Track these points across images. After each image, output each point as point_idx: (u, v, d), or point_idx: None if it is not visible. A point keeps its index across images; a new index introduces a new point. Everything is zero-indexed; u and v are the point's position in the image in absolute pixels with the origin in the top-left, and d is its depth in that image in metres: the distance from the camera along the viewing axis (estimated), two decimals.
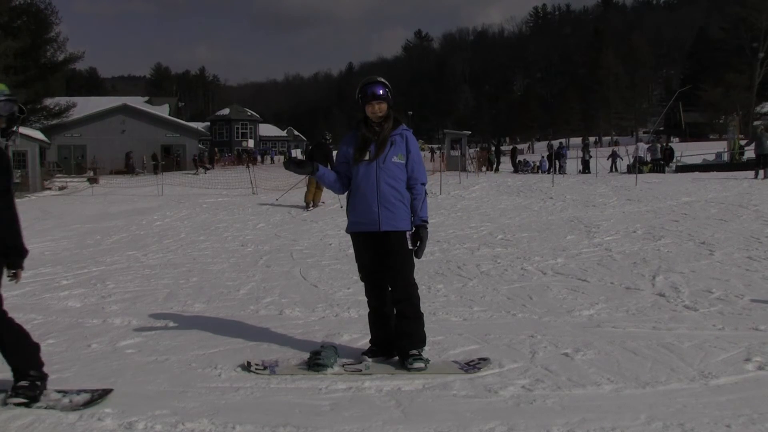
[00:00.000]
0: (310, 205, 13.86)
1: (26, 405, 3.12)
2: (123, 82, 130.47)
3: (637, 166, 22.65)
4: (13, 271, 3.19)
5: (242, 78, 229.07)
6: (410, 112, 77.50)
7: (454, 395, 3.24)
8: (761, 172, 18.52)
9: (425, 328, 3.81)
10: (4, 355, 3.21)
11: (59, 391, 3.24)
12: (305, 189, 14.23)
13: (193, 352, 4.05)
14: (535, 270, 6.55)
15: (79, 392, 3.25)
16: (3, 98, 3.06)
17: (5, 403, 3.13)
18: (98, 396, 3.21)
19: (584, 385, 3.34)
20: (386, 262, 3.73)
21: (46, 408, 3.11)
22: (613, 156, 31.48)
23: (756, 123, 57.80)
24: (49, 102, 38.95)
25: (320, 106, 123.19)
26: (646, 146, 29.72)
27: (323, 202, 14.07)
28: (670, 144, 32.47)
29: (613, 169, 29.54)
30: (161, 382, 3.52)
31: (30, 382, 3.16)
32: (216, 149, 52.03)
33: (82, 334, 4.53)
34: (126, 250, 8.77)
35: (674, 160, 28.13)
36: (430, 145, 63.19)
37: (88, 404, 3.14)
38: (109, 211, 15.15)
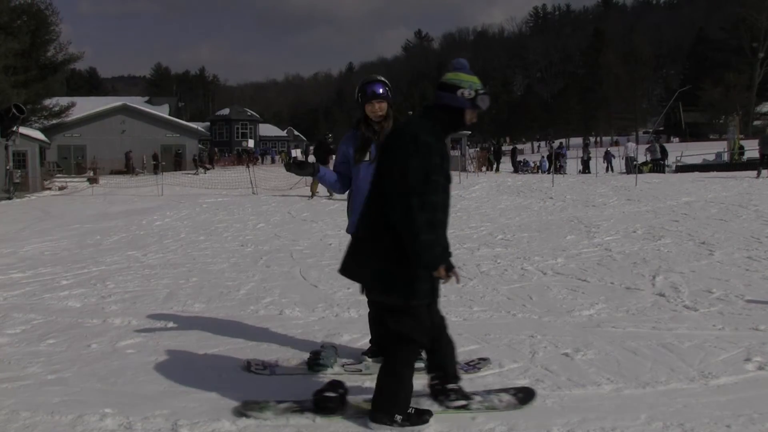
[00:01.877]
0: (316, 194, 15.18)
1: (465, 407, 3.00)
2: (123, 82, 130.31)
3: (636, 166, 22.62)
4: (448, 273, 2.96)
5: (242, 78, 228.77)
6: (410, 112, 77.41)
7: None
8: (764, 172, 18.53)
9: None
10: (440, 360, 3.05)
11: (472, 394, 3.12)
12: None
13: (193, 352, 4.05)
14: (535, 270, 6.55)
15: (495, 392, 3.13)
16: (482, 92, 2.87)
17: (447, 407, 3.00)
18: (522, 397, 3.08)
19: (584, 385, 3.34)
20: None
21: (486, 409, 2.99)
22: (607, 156, 31.50)
23: (756, 123, 57.88)
24: (49, 102, 38.92)
25: (320, 106, 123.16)
26: (646, 146, 29.65)
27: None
28: (663, 144, 32.32)
29: (609, 170, 29.52)
30: (161, 382, 3.52)
31: (457, 385, 3.06)
32: (216, 149, 51.98)
33: (82, 334, 4.53)
34: (126, 250, 8.76)
35: (667, 160, 27.95)
36: None
37: (521, 403, 3.03)
38: (109, 211, 15.14)
